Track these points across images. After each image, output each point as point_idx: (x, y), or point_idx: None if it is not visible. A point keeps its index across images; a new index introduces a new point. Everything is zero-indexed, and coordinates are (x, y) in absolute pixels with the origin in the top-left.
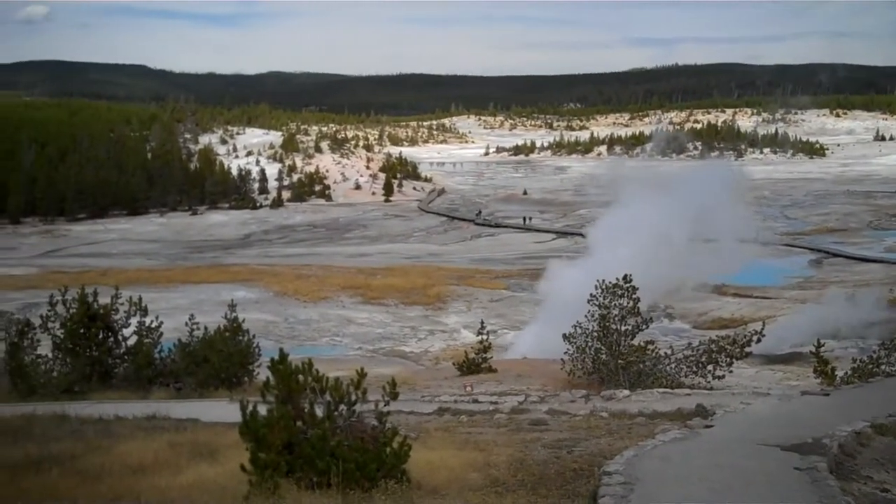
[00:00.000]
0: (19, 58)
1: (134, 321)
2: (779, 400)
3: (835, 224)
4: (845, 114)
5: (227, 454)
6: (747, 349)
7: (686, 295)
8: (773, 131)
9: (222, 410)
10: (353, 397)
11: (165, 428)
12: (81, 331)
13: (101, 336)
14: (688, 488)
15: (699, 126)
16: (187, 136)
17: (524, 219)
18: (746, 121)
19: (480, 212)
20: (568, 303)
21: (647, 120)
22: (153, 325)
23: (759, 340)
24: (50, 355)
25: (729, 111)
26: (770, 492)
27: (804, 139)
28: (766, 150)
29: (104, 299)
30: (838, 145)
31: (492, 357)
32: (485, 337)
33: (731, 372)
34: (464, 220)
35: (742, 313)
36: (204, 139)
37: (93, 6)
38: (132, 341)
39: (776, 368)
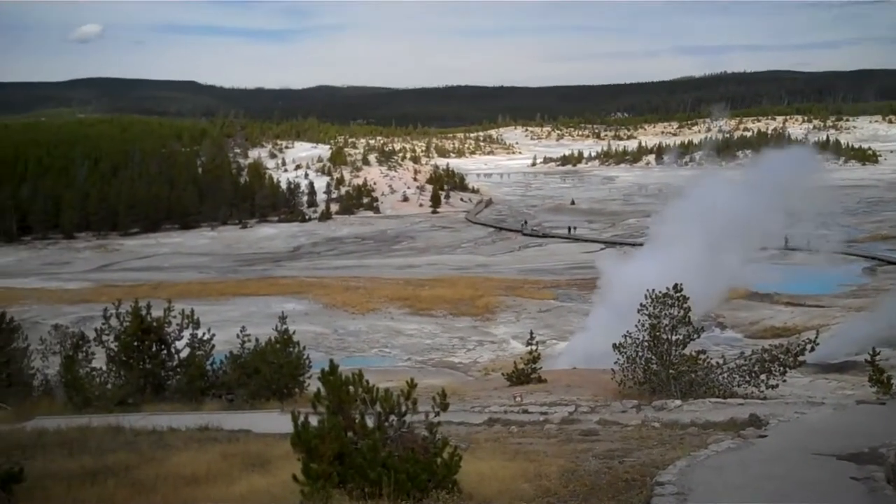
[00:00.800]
0: (74, 75)
1: (186, 334)
2: (834, 409)
3: (888, 231)
4: None
5: (278, 465)
6: (801, 358)
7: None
8: (825, 138)
9: (273, 421)
10: (404, 408)
11: (218, 439)
12: (135, 344)
13: (154, 349)
14: (742, 498)
15: (749, 134)
16: (237, 150)
17: (569, 228)
18: (797, 128)
19: (526, 222)
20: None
21: (695, 128)
22: (205, 338)
23: (812, 349)
24: (104, 368)
25: (779, 118)
26: (826, 502)
27: (856, 146)
28: (818, 157)
29: (157, 312)
30: (892, 152)
31: (541, 367)
32: (534, 347)
33: (784, 381)
34: (511, 230)
35: (795, 322)
36: (253, 153)
37: (145, 24)
38: (185, 354)
39: (830, 377)
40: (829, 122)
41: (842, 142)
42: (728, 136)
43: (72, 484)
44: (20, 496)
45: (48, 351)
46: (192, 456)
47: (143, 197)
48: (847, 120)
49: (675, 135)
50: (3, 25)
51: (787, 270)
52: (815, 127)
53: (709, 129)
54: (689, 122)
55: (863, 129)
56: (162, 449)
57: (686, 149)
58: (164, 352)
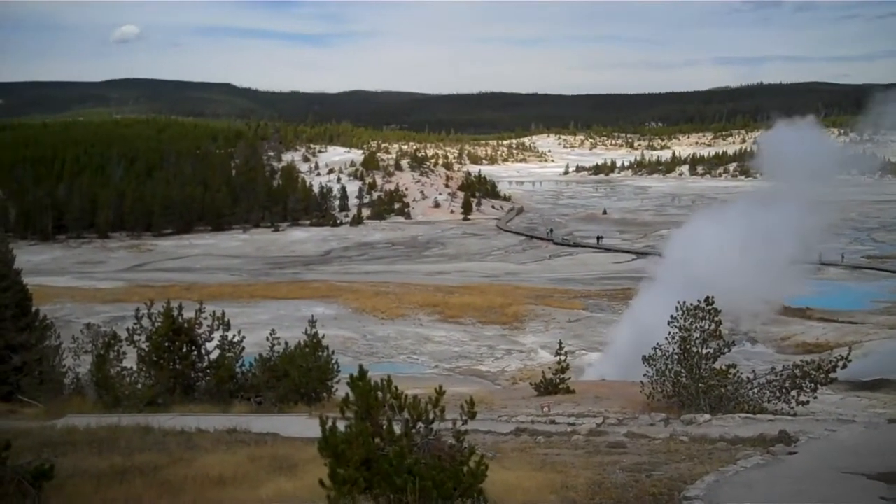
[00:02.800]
0: (111, 76)
1: (217, 335)
2: (865, 427)
3: None
4: None
5: (305, 469)
6: (832, 375)
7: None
8: (861, 151)
9: (301, 425)
10: (432, 415)
11: (246, 441)
12: (166, 344)
13: (184, 350)
14: None
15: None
16: (271, 153)
17: (598, 238)
18: (834, 141)
19: (552, 230)
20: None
21: (730, 139)
22: (235, 340)
23: (844, 366)
24: (135, 368)
25: None
26: None
27: (894, 160)
28: (854, 171)
29: (188, 313)
30: None
31: (570, 378)
32: (563, 357)
33: (815, 398)
34: (542, 238)
35: (827, 338)
36: (287, 156)
37: (183, 26)
38: (215, 355)
39: (862, 395)
40: (865, 136)
41: (879, 155)
42: None
43: (101, 482)
44: (50, 493)
45: (80, 349)
46: (220, 457)
47: (178, 198)
48: (884, 133)
49: (709, 145)
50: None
51: (820, 285)
52: (851, 140)
53: (743, 140)
54: (723, 133)
55: None
56: (190, 450)
57: (720, 160)
58: (195, 353)
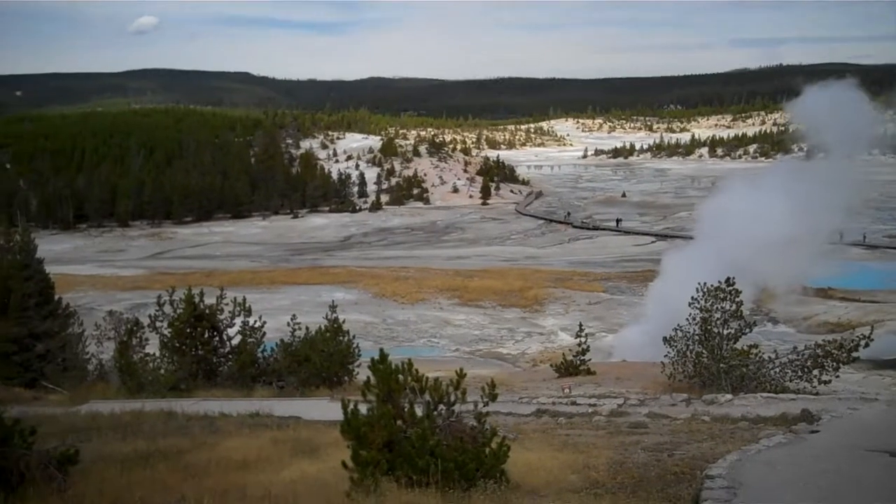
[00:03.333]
0: (130, 66)
1: (238, 321)
2: (887, 405)
3: None
4: None
5: (328, 451)
6: (854, 354)
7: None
8: (883, 132)
9: (323, 409)
10: (453, 397)
11: (268, 425)
12: (188, 330)
13: (206, 335)
14: (793, 494)
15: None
16: (289, 141)
17: (617, 221)
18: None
19: (570, 213)
20: None
21: (749, 122)
22: (256, 325)
23: (867, 345)
24: (157, 354)
25: None
26: (879, 498)
27: None
28: (875, 152)
29: (209, 300)
30: None
31: (590, 359)
32: (583, 339)
33: (837, 377)
34: (561, 222)
35: (849, 317)
36: (305, 144)
37: (200, 16)
38: (236, 341)
39: (884, 374)
40: (886, 117)
41: None
42: (783, 129)
43: (125, 467)
44: (75, 477)
45: (103, 336)
46: (242, 441)
47: (197, 186)
48: None
49: (728, 127)
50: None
51: (842, 265)
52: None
53: (763, 122)
54: (743, 115)
55: None
56: (213, 434)
57: (740, 142)
58: (216, 339)
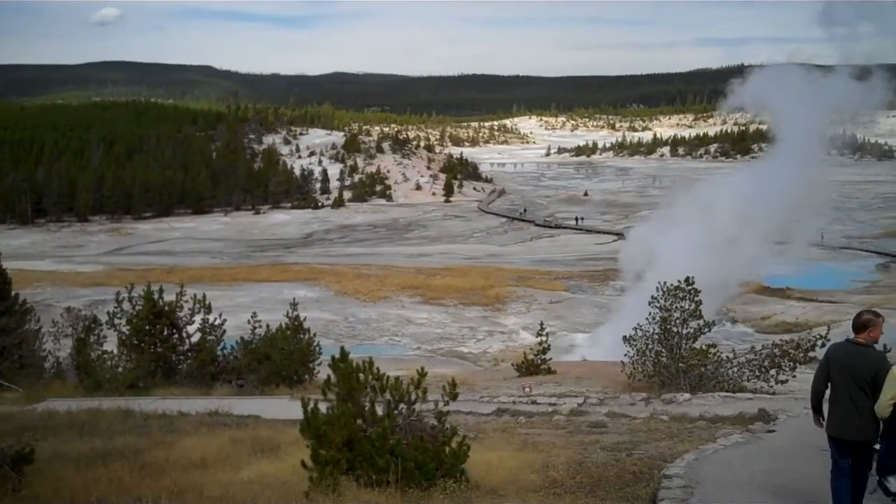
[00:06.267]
0: (91, 58)
1: (198, 318)
2: None
3: None
4: None
5: (287, 451)
6: (811, 354)
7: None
8: (841, 132)
9: (283, 408)
10: (413, 396)
11: (227, 424)
12: (147, 327)
13: (165, 333)
14: (749, 493)
15: (765, 127)
16: (251, 136)
17: (576, 219)
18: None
19: (526, 210)
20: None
21: (711, 121)
22: (216, 323)
23: (823, 345)
24: (116, 351)
25: None
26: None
27: (873, 141)
28: (833, 152)
29: (169, 297)
30: None
31: (551, 359)
32: (544, 338)
33: (794, 377)
34: (524, 220)
35: (807, 317)
36: (267, 139)
37: (163, 8)
38: (196, 338)
39: None
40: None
41: (859, 137)
42: (744, 128)
43: (81, 466)
44: (30, 477)
45: (60, 333)
46: (201, 440)
47: (157, 181)
48: (864, 115)
49: (690, 126)
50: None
51: (800, 265)
52: (831, 121)
53: (724, 122)
54: (704, 115)
55: (881, 125)
56: (171, 433)
57: (701, 141)
58: (176, 336)
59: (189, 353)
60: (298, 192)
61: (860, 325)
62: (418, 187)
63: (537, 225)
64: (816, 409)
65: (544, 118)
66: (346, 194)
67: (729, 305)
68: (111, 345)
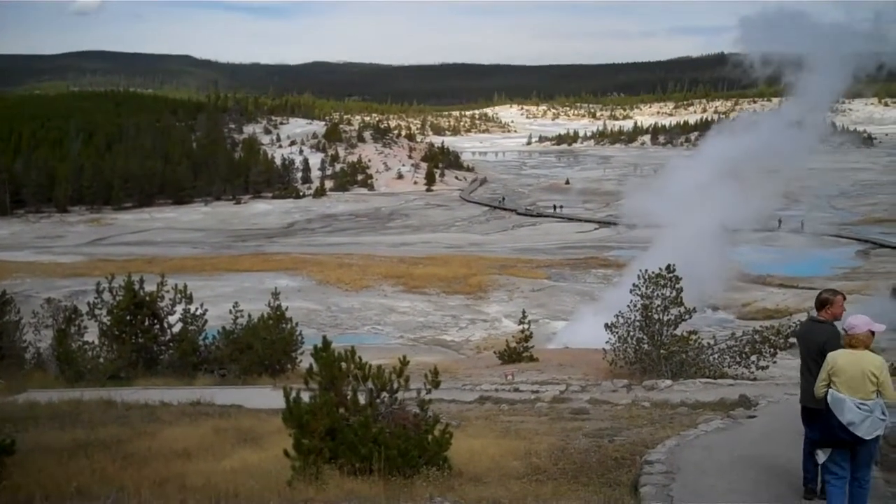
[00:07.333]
0: (69, 48)
1: (179, 309)
2: None
3: (882, 214)
4: (895, 103)
5: (270, 440)
6: (791, 340)
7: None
8: (821, 120)
9: (265, 397)
10: (396, 385)
11: (210, 414)
12: (128, 318)
13: (146, 323)
14: (730, 478)
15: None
16: (232, 125)
17: (554, 206)
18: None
19: (504, 198)
20: None
21: (691, 109)
22: (198, 313)
23: None
24: (96, 342)
25: (776, 100)
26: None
27: (852, 128)
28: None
29: (150, 287)
30: (886, 135)
31: (533, 346)
32: (526, 326)
33: (774, 363)
34: (505, 209)
35: (787, 304)
36: (248, 129)
37: None
38: (177, 328)
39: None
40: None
41: (838, 124)
42: (724, 116)
43: (63, 457)
44: (11, 468)
45: (41, 324)
46: (183, 430)
47: (137, 171)
48: (843, 102)
49: (670, 115)
50: None
51: (779, 252)
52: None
53: (704, 110)
54: (685, 103)
55: (858, 112)
56: (153, 423)
57: (682, 129)
58: (157, 326)
59: (171, 344)
60: (279, 181)
61: (820, 303)
62: (400, 176)
63: (519, 214)
64: None
65: (525, 107)
66: (328, 184)
67: (710, 292)
68: (92, 335)
